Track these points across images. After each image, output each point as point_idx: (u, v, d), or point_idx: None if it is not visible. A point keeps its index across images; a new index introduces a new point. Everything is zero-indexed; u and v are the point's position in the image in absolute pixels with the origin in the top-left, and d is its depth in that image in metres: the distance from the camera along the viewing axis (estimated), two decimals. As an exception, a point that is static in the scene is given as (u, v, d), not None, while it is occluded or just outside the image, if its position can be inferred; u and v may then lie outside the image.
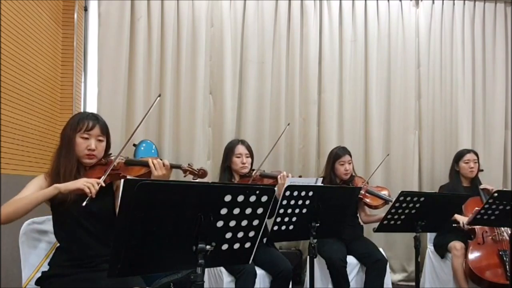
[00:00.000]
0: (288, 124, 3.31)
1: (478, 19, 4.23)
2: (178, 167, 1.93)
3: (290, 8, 3.99)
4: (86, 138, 1.85)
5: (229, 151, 2.94)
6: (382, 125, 4.07)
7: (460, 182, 3.46)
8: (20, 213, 1.67)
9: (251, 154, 2.96)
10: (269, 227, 2.06)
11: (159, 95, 2.06)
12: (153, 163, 1.83)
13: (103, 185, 1.71)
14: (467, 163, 3.42)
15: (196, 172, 1.94)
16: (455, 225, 3.06)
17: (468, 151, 3.51)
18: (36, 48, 3.17)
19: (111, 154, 1.96)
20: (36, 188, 1.81)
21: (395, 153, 4.07)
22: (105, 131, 1.91)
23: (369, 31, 4.09)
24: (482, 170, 3.60)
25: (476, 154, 3.48)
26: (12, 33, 2.84)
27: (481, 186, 3.39)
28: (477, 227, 3.05)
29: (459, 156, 3.50)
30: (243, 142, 2.98)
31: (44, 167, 3.20)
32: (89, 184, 1.66)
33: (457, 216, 3.08)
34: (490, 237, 3.04)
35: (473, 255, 2.96)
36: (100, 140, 1.89)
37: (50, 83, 3.41)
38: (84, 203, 1.63)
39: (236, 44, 3.91)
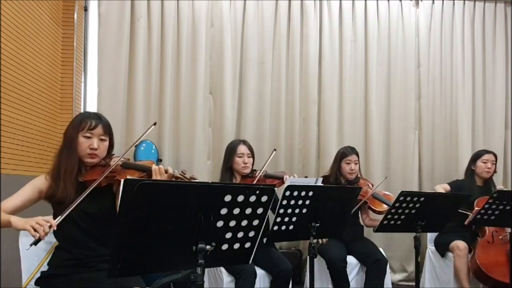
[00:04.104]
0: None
1: (478, 19, 4.23)
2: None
3: (290, 8, 3.99)
4: (89, 137, 1.84)
5: (231, 151, 2.93)
6: (382, 125, 4.07)
7: (475, 182, 3.41)
8: None
9: (252, 154, 2.95)
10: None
11: (155, 123, 2.03)
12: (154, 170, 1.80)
13: (55, 228, 1.58)
14: (485, 162, 3.36)
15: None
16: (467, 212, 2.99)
17: (488, 151, 3.44)
18: (36, 48, 3.17)
19: (113, 154, 1.95)
20: (32, 190, 1.80)
21: (395, 153, 4.07)
22: (107, 131, 1.90)
23: (369, 31, 4.09)
24: (496, 172, 3.53)
25: (495, 156, 3.42)
26: (12, 33, 2.84)
27: (498, 188, 3.32)
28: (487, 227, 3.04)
29: (478, 155, 3.43)
30: (244, 142, 2.97)
31: (44, 167, 3.21)
32: (38, 226, 1.52)
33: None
34: (500, 237, 3.03)
35: (482, 252, 2.94)
36: (102, 140, 1.87)
37: (50, 83, 3.41)
38: (28, 247, 1.53)
39: (236, 44, 3.90)
